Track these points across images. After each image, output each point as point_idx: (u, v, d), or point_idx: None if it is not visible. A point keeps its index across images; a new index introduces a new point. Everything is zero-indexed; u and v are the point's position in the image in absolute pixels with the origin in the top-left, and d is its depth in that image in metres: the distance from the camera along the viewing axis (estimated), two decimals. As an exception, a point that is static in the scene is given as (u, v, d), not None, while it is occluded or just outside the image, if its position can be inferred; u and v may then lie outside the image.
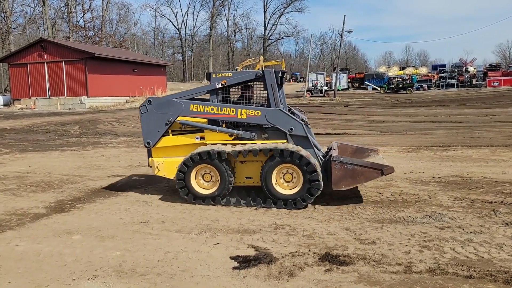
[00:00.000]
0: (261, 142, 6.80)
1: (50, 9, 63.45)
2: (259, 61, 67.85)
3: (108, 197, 7.46)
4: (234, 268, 4.41)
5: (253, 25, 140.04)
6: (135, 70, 41.67)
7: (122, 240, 5.27)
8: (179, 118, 7.04)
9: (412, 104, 31.41)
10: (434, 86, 52.82)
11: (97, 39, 65.29)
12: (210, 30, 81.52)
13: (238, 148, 6.64)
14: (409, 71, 60.42)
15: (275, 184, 6.60)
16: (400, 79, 49.61)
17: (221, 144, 6.85)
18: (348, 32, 44.11)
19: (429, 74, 59.21)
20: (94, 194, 7.70)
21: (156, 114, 7.08)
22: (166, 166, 7.09)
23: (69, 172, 9.78)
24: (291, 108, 7.74)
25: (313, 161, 6.45)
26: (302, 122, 6.79)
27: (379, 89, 50.04)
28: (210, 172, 6.82)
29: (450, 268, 4.20)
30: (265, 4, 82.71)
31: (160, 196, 7.39)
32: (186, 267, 4.44)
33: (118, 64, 39.47)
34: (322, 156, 7.16)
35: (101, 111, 32.65)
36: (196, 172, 6.85)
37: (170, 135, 7.18)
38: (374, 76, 55.80)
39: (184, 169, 6.75)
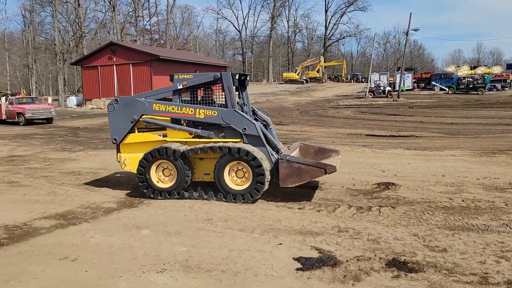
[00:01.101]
0: (215, 141, 7.20)
1: (119, 14, 66.88)
2: (319, 61, 67.33)
3: (173, 194, 7.69)
4: (298, 269, 4.38)
5: (314, 25, 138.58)
6: (197, 71, 42.73)
7: (188, 237, 5.42)
8: (144, 116, 7.51)
9: (484, 105, 29.55)
10: (509, 86, 49.33)
11: (162, 41, 67.81)
12: (270, 31, 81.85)
13: (192, 146, 7.11)
14: (481, 70, 56.90)
15: (228, 179, 7.01)
16: (471, 79, 46.81)
17: (181, 142, 7.31)
18: (414, 30, 42.22)
19: (503, 74, 55.34)
20: (160, 191, 7.96)
21: (122, 113, 7.60)
22: (132, 161, 7.57)
23: (137, 169, 10.20)
24: (255, 109, 8.16)
25: (259, 156, 6.81)
26: (255, 123, 7.20)
27: (447, 89, 47.54)
28: (168, 167, 7.28)
29: (532, 282, 3.89)
30: (326, 3, 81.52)
31: (223, 195, 7.49)
32: (249, 266, 4.47)
33: (181, 65, 40.74)
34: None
35: (165, 111, 33.80)
36: (157, 167, 7.30)
37: (136, 132, 7.68)
38: (442, 76, 53.06)
39: (144, 164, 7.22)
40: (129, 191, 7.95)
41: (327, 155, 8.23)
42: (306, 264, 4.49)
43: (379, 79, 46.19)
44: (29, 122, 24.83)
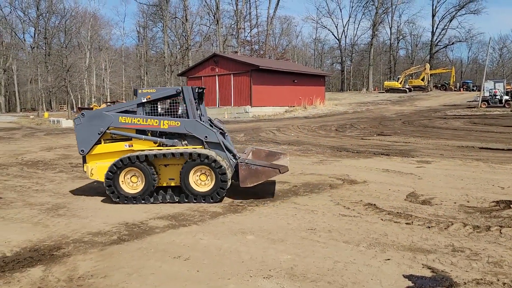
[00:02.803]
0: (182, 148, 7.87)
1: (222, 27, 70.26)
2: (425, 69, 63.69)
3: (275, 201, 7.80)
4: (409, 287, 4.15)
5: (419, 31, 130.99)
6: (295, 81, 43.06)
7: (292, 245, 5.44)
8: (110, 128, 8.00)
9: None
10: None
11: (261, 52, 69.62)
12: (372, 38, 79.47)
13: (163, 151, 7.69)
14: None
15: (193, 183, 7.68)
16: None
17: (148, 150, 7.88)
18: (536, 32, 37.93)
19: None
20: (262, 198, 8.12)
21: (89, 125, 8.04)
22: (99, 171, 8.04)
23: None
24: (211, 119, 8.91)
25: (220, 159, 7.65)
26: (215, 131, 7.97)
27: None
28: (136, 174, 7.80)
29: None
30: (434, 8, 76.93)
31: (324, 205, 7.42)
32: (357, 280, 4.35)
33: (279, 75, 41.32)
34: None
35: (263, 120, 34.52)
36: (125, 174, 7.81)
37: (103, 143, 8.15)
38: None
39: (114, 170, 7.71)
40: (233, 198, 8.22)
41: (277, 157, 9.31)
42: (418, 283, 4.24)
43: (495, 87, 42.19)
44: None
